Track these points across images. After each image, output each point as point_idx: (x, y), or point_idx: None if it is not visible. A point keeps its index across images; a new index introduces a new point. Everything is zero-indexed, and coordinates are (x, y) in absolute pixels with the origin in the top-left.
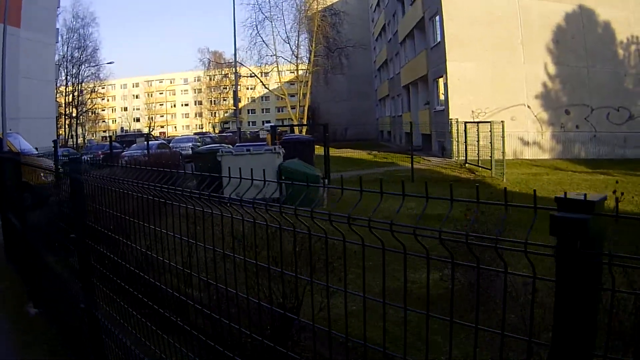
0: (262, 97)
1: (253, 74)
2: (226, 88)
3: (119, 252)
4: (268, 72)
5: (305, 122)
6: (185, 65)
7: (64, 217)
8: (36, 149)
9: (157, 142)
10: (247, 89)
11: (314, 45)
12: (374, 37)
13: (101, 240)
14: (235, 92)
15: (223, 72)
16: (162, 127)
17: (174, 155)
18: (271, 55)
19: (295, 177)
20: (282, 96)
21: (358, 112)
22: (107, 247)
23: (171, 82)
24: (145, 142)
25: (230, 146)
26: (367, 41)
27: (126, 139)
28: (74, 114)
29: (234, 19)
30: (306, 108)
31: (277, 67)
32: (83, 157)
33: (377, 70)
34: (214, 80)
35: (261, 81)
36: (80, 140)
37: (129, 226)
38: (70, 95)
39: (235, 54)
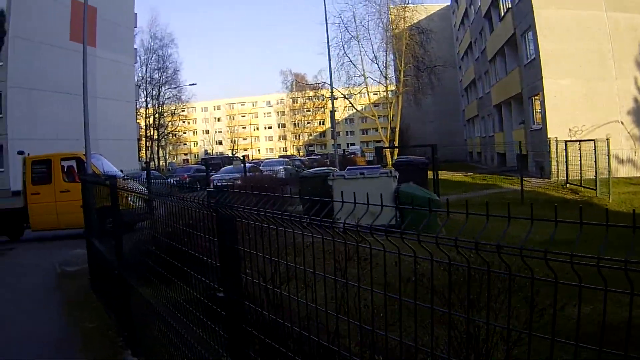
0: (345, 119)
1: (343, 95)
2: (309, 110)
3: (281, 313)
4: (357, 93)
5: (396, 144)
6: (267, 87)
7: (163, 247)
8: (121, 170)
9: (248, 165)
10: (331, 112)
11: (402, 64)
12: (459, 56)
13: (256, 298)
14: (332, 113)
15: (306, 94)
16: (245, 150)
17: (274, 179)
18: (359, 76)
19: (414, 202)
20: (372, 117)
21: (445, 133)
22: (264, 306)
23: (253, 105)
24: (234, 166)
25: (333, 168)
26: (452, 60)
27: (212, 161)
28: (154, 137)
29: (327, 38)
30: (397, 129)
31: (367, 87)
32: (170, 182)
33: (464, 90)
34: (297, 102)
35: (351, 103)
36: (161, 162)
37: (287, 274)
38: (151, 117)
39: (330, 74)
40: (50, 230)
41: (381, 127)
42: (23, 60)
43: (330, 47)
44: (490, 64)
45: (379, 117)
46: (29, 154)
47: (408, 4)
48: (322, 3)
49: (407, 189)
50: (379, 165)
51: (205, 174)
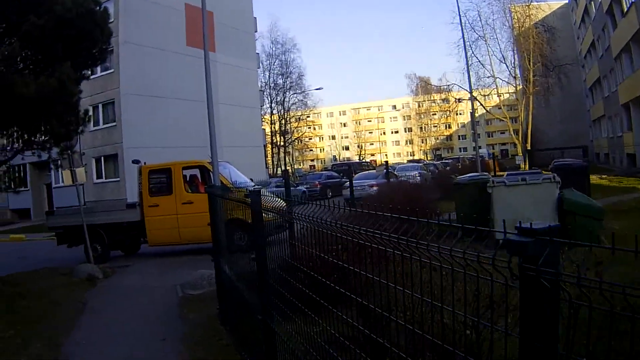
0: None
1: (471, 97)
2: (435, 114)
3: None
4: (487, 94)
5: (528, 147)
6: (392, 91)
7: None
8: (251, 179)
9: (383, 171)
10: (457, 114)
11: (531, 64)
12: (581, 55)
13: None
14: (472, 115)
15: (432, 98)
16: (372, 155)
17: (426, 187)
18: (488, 77)
19: (578, 210)
20: (503, 119)
21: (571, 135)
22: None
23: (379, 109)
24: (370, 172)
25: (487, 174)
26: (574, 59)
27: (342, 167)
28: (280, 143)
29: (463, 35)
30: (529, 131)
31: (497, 88)
32: (299, 188)
33: (589, 90)
34: (422, 106)
35: (481, 103)
36: (287, 169)
37: None
38: (277, 124)
39: (468, 73)
40: (169, 246)
41: (504, 131)
42: (135, 67)
43: (457, 48)
44: (615, 62)
45: (502, 119)
46: (145, 163)
47: (532, 1)
48: (449, 2)
49: (571, 195)
50: (539, 170)
51: (337, 180)
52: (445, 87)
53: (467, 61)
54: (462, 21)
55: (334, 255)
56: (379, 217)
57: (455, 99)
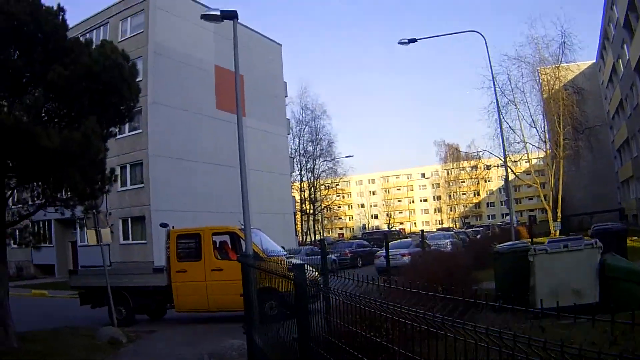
0: (499, 189)
1: (504, 163)
2: (464, 181)
3: None
4: (517, 160)
5: (559, 212)
6: (421, 158)
7: None
8: (283, 247)
9: (412, 241)
10: (485, 181)
11: (561, 127)
12: (609, 115)
13: None
14: (506, 180)
15: (460, 165)
16: (401, 223)
17: (462, 256)
18: (519, 142)
19: (621, 275)
20: (534, 185)
21: (599, 197)
22: None
23: (408, 178)
24: (403, 240)
25: (527, 242)
26: (602, 120)
27: (373, 236)
28: (309, 211)
29: (497, 99)
30: (560, 196)
31: (528, 154)
32: (329, 257)
33: (617, 151)
34: (451, 174)
35: (512, 170)
36: (316, 237)
37: None
38: (306, 191)
39: (502, 139)
40: (196, 312)
41: (534, 197)
42: (164, 128)
43: (487, 113)
44: None
45: (532, 185)
46: (173, 227)
47: (561, 63)
48: (478, 66)
49: (613, 260)
50: (580, 236)
51: (368, 249)
52: (475, 153)
53: (500, 126)
54: (492, 86)
55: (378, 334)
56: (420, 293)
57: (485, 165)
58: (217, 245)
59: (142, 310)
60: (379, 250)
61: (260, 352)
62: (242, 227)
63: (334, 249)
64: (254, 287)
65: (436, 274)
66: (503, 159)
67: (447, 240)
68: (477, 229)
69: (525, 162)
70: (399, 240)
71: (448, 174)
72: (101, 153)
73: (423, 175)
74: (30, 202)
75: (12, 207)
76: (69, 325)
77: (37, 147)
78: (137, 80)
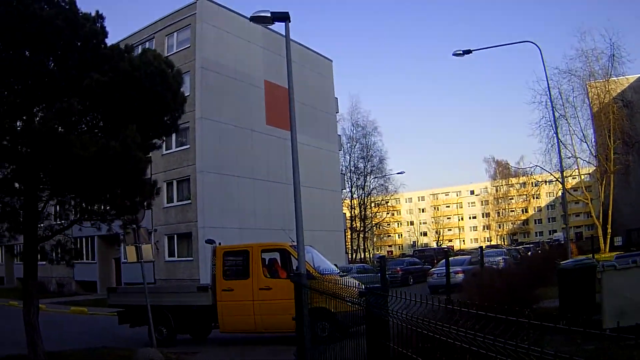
0: (547, 206)
1: (555, 179)
2: (512, 198)
3: None
4: (568, 176)
5: (609, 228)
6: (471, 175)
7: None
8: (335, 265)
9: (467, 257)
10: (533, 197)
11: (612, 141)
12: None
13: None
14: (563, 196)
15: (510, 182)
16: (450, 240)
17: (522, 274)
18: (570, 157)
19: None
20: (585, 201)
21: None
22: None
23: (457, 195)
24: (458, 258)
25: (593, 259)
26: None
27: (425, 253)
28: (359, 228)
29: (554, 117)
30: (610, 212)
31: (579, 169)
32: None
33: None
34: (500, 190)
35: (563, 186)
36: (365, 255)
37: None
38: (357, 208)
39: (559, 153)
40: (243, 333)
41: (592, 210)
42: (212, 143)
43: (538, 128)
44: None
45: (580, 202)
46: (220, 243)
47: (610, 76)
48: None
49: None
50: None
51: (419, 267)
52: (527, 169)
53: (557, 139)
54: (543, 100)
55: None
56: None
57: (537, 181)
58: (266, 263)
59: (185, 330)
60: (430, 268)
61: None
62: (293, 243)
63: (384, 265)
64: (310, 315)
65: (497, 292)
66: (560, 173)
67: (500, 257)
68: (527, 246)
69: (574, 177)
70: (452, 258)
71: (497, 190)
72: (141, 164)
73: (472, 192)
74: (64, 217)
75: (46, 222)
76: (105, 345)
77: (70, 156)
78: (185, 94)
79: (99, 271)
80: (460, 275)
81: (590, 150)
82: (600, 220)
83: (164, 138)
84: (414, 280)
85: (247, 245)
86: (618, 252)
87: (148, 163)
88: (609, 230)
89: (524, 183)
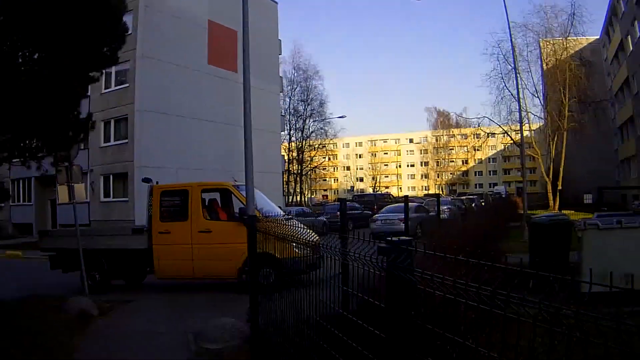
0: (488, 158)
1: (504, 132)
2: (453, 149)
3: None
4: (516, 130)
5: (559, 185)
6: (413, 124)
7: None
8: (279, 207)
9: (412, 205)
10: (475, 149)
11: (566, 98)
12: (610, 92)
13: None
14: (522, 148)
15: (451, 132)
16: (386, 187)
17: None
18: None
19: None
20: (535, 155)
21: (594, 175)
22: None
23: (396, 142)
24: (399, 204)
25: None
26: (603, 96)
27: (364, 199)
28: (296, 171)
29: (517, 74)
30: (561, 169)
31: (529, 124)
32: (320, 219)
33: (618, 129)
34: (440, 140)
35: (512, 139)
36: (299, 198)
37: None
38: (295, 151)
39: (519, 105)
40: (179, 280)
41: (542, 166)
42: (152, 82)
43: (488, 80)
44: None
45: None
46: (157, 182)
47: (569, 34)
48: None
49: None
50: (631, 212)
51: (359, 212)
52: (473, 119)
53: (517, 90)
54: (496, 53)
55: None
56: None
57: (489, 132)
58: (206, 204)
59: (119, 275)
60: (371, 214)
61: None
62: (236, 183)
63: (322, 210)
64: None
65: (460, 243)
66: (519, 126)
67: (445, 207)
68: (471, 197)
69: (525, 131)
70: (395, 204)
71: (437, 140)
72: (75, 95)
73: (411, 140)
74: None
75: None
76: (37, 292)
77: None
78: (127, 25)
79: (35, 213)
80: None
81: (542, 105)
82: (550, 177)
83: (103, 71)
84: (353, 226)
85: (187, 184)
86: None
87: (82, 95)
88: (559, 187)
89: (466, 135)
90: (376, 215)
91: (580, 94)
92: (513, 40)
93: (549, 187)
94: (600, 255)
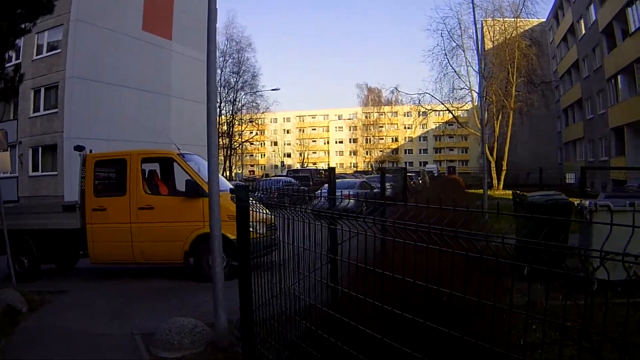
0: (419, 137)
1: (447, 109)
2: (383, 126)
3: None
4: (460, 107)
5: (504, 165)
6: (342, 99)
7: None
8: (225, 177)
9: (357, 181)
10: (405, 127)
11: (514, 78)
12: (555, 75)
13: None
14: (482, 122)
15: (381, 110)
16: (314, 164)
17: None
18: (462, 88)
19: None
20: (477, 134)
21: (537, 156)
22: None
23: (325, 118)
24: (346, 180)
25: (560, 193)
26: (548, 78)
27: (300, 174)
28: (226, 145)
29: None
30: (507, 149)
31: (473, 101)
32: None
33: (563, 111)
34: (370, 117)
35: (453, 115)
36: (228, 174)
37: None
38: (225, 125)
39: (480, 97)
40: (118, 264)
41: (486, 146)
42: (85, 48)
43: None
44: (608, 83)
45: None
46: (91, 151)
47: (521, 13)
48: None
49: None
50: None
51: (295, 188)
52: (416, 95)
53: (479, 65)
54: (440, 29)
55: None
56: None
57: (425, 110)
58: (147, 176)
59: (49, 259)
60: (307, 190)
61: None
62: (182, 152)
63: (257, 185)
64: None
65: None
66: (480, 97)
67: (388, 184)
68: (411, 174)
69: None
70: (340, 180)
71: (367, 117)
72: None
73: (340, 117)
74: None
75: None
76: None
77: None
78: None
79: None
80: (352, 201)
81: (486, 82)
82: (494, 156)
83: (35, 22)
84: (289, 202)
85: (125, 152)
86: (544, 191)
87: (12, 46)
88: (504, 168)
89: (396, 113)
90: (319, 192)
91: (529, 74)
92: (459, 17)
93: (493, 166)
94: (611, 239)
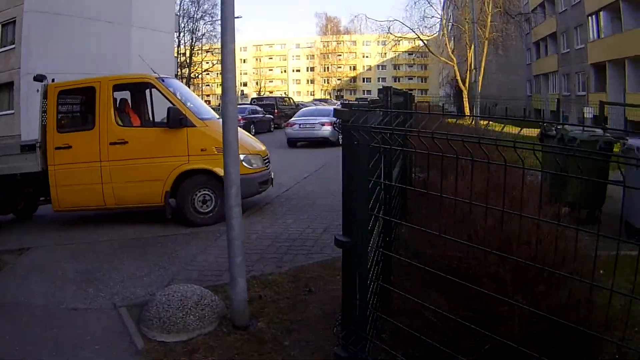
0: (378, 65)
1: (417, 37)
2: (341, 55)
3: None
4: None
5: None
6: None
7: None
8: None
9: (331, 107)
10: (364, 57)
11: (489, 7)
12: (528, 6)
13: None
14: (475, 49)
15: (340, 38)
16: (270, 92)
17: None
18: (432, 17)
19: None
20: (450, 63)
21: (505, 87)
22: None
23: (282, 47)
24: (321, 107)
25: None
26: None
27: (264, 102)
28: (185, 74)
29: None
30: (481, 79)
31: (445, 30)
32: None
33: (533, 44)
34: (328, 46)
35: (425, 44)
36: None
37: None
38: (187, 53)
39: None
40: (86, 211)
41: (457, 74)
42: None
43: None
44: (589, 19)
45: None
46: (53, 80)
47: None
48: None
49: None
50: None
51: (261, 115)
52: (386, 22)
53: None
54: None
55: None
56: None
57: (400, 37)
58: (118, 106)
59: (6, 209)
60: (272, 118)
61: None
62: (159, 76)
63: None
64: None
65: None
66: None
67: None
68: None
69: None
70: (312, 107)
71: (324, 46)
72: None
73: (298, 45)
74: None
75: None
76: None
77: None
78: None
79: None
80: (328, 128)
81: (459, 10)
82: (467, 85)
83: None
84: (256, 130)
85: (93, 79)
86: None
87: None
88: (478, 99)
89: (354, 41)
90: (293, 119)
91: (505, 4)
92: None
93: (465, 95)
94: None
